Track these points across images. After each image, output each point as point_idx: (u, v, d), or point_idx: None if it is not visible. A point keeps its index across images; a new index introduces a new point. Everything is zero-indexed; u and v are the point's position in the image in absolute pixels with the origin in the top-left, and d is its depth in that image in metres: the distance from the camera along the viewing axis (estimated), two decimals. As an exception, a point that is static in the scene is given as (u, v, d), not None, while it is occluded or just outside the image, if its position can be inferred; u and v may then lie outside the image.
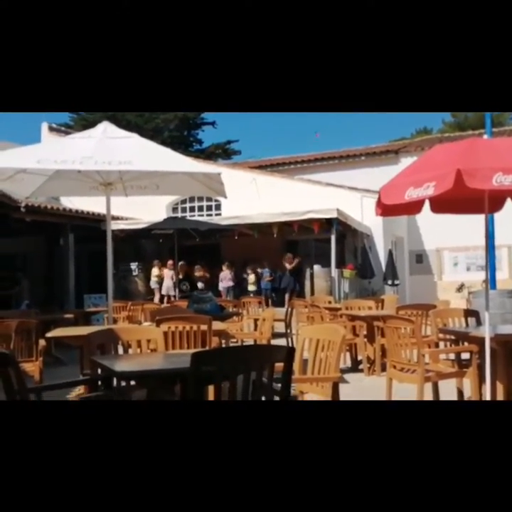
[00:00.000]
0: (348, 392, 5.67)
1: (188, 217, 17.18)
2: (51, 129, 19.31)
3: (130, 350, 4.30)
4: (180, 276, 14.94)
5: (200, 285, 15.00)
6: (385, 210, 4.69)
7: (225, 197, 6.94)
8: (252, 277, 15.73)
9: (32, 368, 5.35)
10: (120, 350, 4.18)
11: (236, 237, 15.42)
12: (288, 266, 15.20)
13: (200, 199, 17.53)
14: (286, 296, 14.65)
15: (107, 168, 5.39)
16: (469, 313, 6.18)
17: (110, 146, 5.52)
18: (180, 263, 14.87)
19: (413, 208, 4.58)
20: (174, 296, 14.55)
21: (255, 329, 9.03)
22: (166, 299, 15.13)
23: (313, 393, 3.85)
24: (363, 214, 15.68)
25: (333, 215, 13.12)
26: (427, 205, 4.69)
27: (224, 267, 15.90)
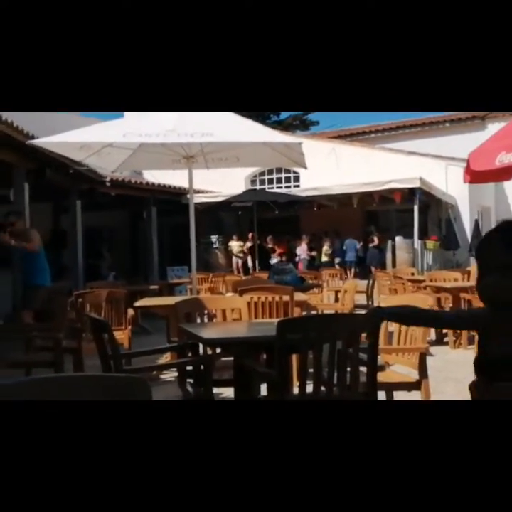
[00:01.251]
0: (434, 365, 5.54)
1: (267, 190, 17.19)
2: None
3: (215, 320, 4.39)
4: (256, 249, 15.04)
5: (275, 258, 15.07)
6: (474, 176, 4.49)
7: (305, 167, 6.87)
8: (330, 249, 15.64)
9: (121, 336, 5.54)
10: (205, 320, 4.27)
11: (315, 209, 15.30)
12: (373, 243, 15.01)
13: (279, 171, 17.46)
14: (372, 269, 14.47)
15: (189, 140, 5.45)
16: None
17: (192, 118, 5.56)
18: (251, 234, 14.98)
19: (504, 174, 4.36)
20: (254, 268, 14.68)
21: (335, 301, 8.98)
22: (242, 270, 15.33)
23: (400, 364, 3.78)
24: (448, 183, 15.11)
25: (416, 184, 12.73)
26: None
27: (303, 239, 15.87)
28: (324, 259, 15.47)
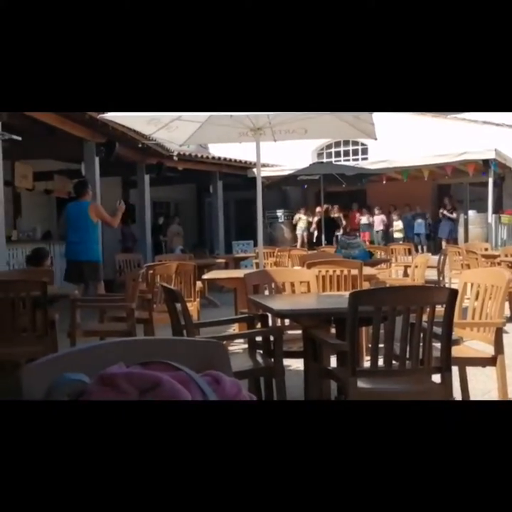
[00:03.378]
0: (509, 342, 5.35)
1: (334, 163, 16.95)
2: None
3: (283, 293, 4.38)
4: (323, 222, 14.92)
5: (340, 232, 14.95)
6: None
7: (375, 138, 6.70)
8: (399, 223, 15.33)
9: (191, 308, 5.62)
10: (273, 292, 4.26)
11: (384, 182, 14.98)
12: (447, 213, 14.57)
13: (346, 143, 17.17)
14: (443, 244, 14.08)
15: (257, 110, 5.40)
16: None
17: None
18: (318, 208, 14.86)
19: None
20: (320, 242, 14.58)
21: (404, 276, 8.80)
22: (307, 245, 15.28)
23: (475, 339, 3.67)
24: (525, 154, 14.44)
25: (491, 155, 12.23)
26: None
27: (376, 211, 15.67)
28: (396, 235, 15.21)
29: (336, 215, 15.77)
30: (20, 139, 7.46)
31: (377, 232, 15.69)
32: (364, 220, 16.12)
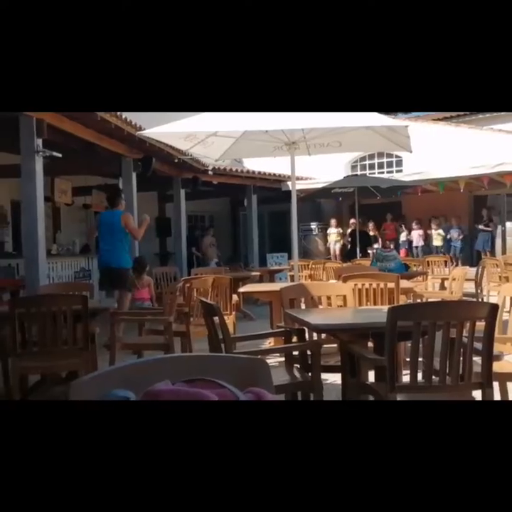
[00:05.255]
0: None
1: (368, 175, 16.87)
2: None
3: (320, 306, 4.38)
4: (358, 235, 14.85)
5: (376, 245, 14.83)
6: None
7: (411, 151, 6.68)
8: (438, 235, 15.14)
9: (227, 321, 5.64)
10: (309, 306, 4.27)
11: (419, 194, 14.84)
12: (483, 227, 14.39)
13: (380, 156, 17.08)
14: (483, 256, 13.85)
15: (292, 126, 5.45)
16: None
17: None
18: (352, 220, 14.79)
19: None
20: (355, 255, 14.49)
21: (441, 289, 8.68)
22: (339, 257, 15.20)
23: (515, 355, 3.61)
24: None
25: (529, 166, 12.02)
26: None
27: (414, 225, 15.51)
28: (436, 243, 15.01)
29: (372, 233, 15.67)
30: (60, 155, 7.65)
31: (417, 247, 15.49)
32: (402, 237, 15.94)
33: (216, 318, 3.39)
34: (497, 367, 3.17)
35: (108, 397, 1.16)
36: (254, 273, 10.31)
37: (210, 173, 12.81)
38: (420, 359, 2.77)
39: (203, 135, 6.32)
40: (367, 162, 17.57)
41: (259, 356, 1.41)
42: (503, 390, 3.41)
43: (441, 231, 15.08)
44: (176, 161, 11.00)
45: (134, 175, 10.14)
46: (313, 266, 11.19)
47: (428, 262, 10.54)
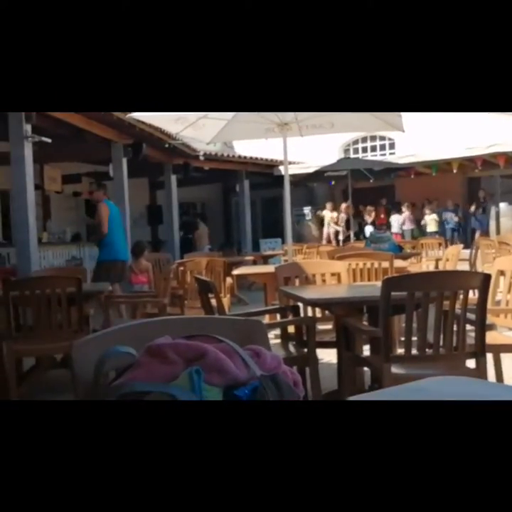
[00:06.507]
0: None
1: (361, 158, 16.83)
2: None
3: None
4: (351, 219, 14.86)
5: (368, 228, 14.84)
6: None
7: (403, 130, 6.66)
8: (432, 221, 15.15)
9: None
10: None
11: (412, 176, 14.85)
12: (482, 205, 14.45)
13: (373, 139, 17.05)
14: (477, 235, 13.85)
15: (279, 110, 5.41)
16: None
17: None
18: (344, 204, 14.77)
19: None
20: (349, 239, 14.52)
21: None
22: (334, 241, 15.22)
23: (508, 326, 3.63)
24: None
25: (521, 146, 12.03)
26: None
27: (404, 208, 15.48)
28: (430, 229, 14.94)
29: (368, 216, 15.64)
30: (49, 140, 7.59)
31: (408, 230, 15.45)
32: (393, 221, 15.85)
33: (212, 296, 3.39)
34: (490, 338, 3.19)
35: (110, 352, 1.16)
36: (247, 258, 10.30)
37: (201, 158, 12.75)
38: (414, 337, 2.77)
39: (194, 117, 6.27)
40: (360, 145, 17.53)
41: (257, 319, 1.41)
42: (497, 360, 3.43)
43: (435, 216, 15.05)
44: (167, 146, 10.93)
45: (124, 160, 10.08)
46: (307, 250, 11.19)
47: (422, 244, 10.56)
